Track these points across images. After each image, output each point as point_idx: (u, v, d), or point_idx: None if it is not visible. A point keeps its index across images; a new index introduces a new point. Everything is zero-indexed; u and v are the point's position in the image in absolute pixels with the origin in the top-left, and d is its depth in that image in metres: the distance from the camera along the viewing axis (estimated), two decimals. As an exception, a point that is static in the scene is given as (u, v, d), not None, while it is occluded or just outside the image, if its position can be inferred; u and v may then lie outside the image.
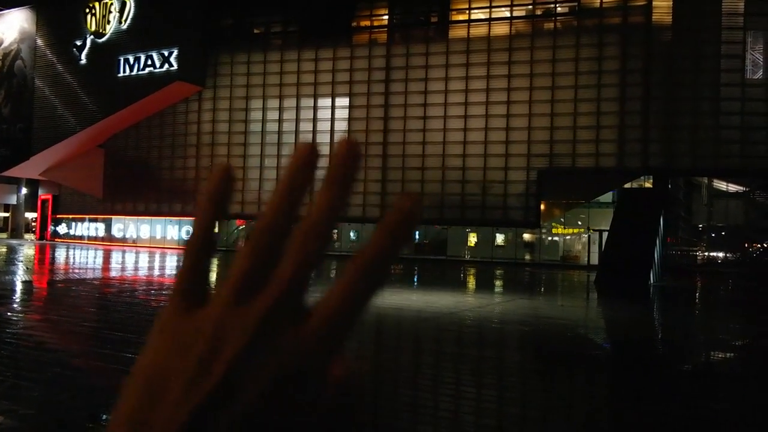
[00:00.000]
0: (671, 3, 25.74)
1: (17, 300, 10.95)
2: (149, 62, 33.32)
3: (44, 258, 23.61)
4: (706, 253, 38.72)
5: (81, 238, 38.66)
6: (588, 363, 7.41)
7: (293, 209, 0.32)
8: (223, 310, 0.30)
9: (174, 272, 18.30)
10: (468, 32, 28.96)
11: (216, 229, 0.35)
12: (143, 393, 0.31)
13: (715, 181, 38.25)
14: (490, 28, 28.66)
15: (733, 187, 39.65)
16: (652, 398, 5.52)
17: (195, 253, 0.34)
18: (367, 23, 31.59)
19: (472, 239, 32.01)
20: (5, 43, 39.18)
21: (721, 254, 38.86)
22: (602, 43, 26.67)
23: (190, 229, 0.36)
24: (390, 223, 0.32)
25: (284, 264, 0.30)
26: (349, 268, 0.30)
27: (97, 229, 38.14)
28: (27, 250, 28.19)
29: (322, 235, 0.31)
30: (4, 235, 42.93)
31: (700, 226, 39.87)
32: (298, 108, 31.91)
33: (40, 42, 37.62)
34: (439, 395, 5.57)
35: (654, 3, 25.95)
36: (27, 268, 17.71)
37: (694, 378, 6.89)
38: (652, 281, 19.20)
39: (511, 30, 28.42)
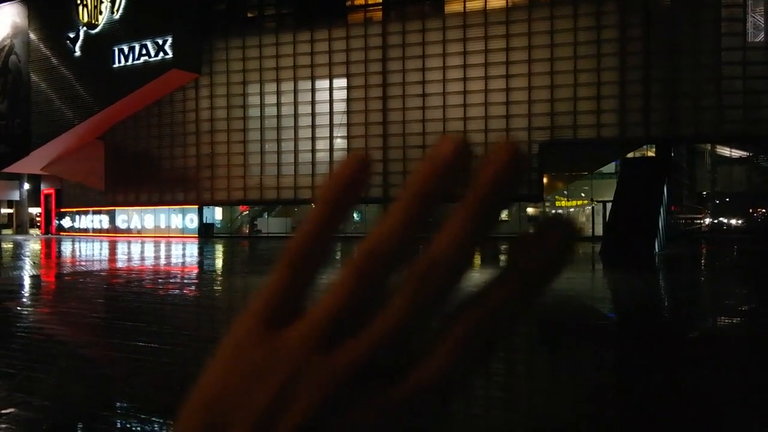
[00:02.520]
0: (669, -32, 25.39)
1: (26, 294, 11.01)
2: (144, 51, 33.10)
3: (50, 252, 23.71)
4: (711, 220, 38.65)
5: (86, 230, 38.79)
6: (595, 333, 7.43)
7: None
8: (306, 350, 0.24)
9: (185, 261, 18.42)
10: (464, 6, 28.64)
11: (335, 235, 0.26)
12: (203, 415, 0.25)
13: (718, 147, 38.04)
14: (486, 1, 28.33)
15: (736, 153, 39.43)
16: (659, 366, 5.54)
17: (299, 264, 0.26)
18: (362, 1, 31.25)
19: (476, 215, 31.95)
20: (-2, 39, 38.96)
21: (725, 220, 38.78)
22: (600, 12, 26.37)
23: (303, 221, 0.27)
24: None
25: (390, 308, 0.23)
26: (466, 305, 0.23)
27: (101, 221, 38.24)
28: (33, 244, 28.31)
29: (450, 274, 0.23)
30: (9, 231, 43.10)
31: (704, 193, 39.75)
32: (295, 91, 31.73)
33: (33, 36, 37.36)
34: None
35: (652, -31, 25.60)
36: (34, 263, 17.80)
37: (698, 344, 6.91)
38: (657, 250, 19.20)
39: (507, 2, 28.09)
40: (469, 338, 0.23)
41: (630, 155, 27.08)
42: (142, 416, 4.16)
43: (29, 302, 10.02)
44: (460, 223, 0.23)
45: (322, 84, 31.23)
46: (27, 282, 12.81)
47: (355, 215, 34.13)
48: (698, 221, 36.17)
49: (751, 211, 37.25)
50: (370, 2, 31.01)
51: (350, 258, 0.24)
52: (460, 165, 0.25)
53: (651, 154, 28.15)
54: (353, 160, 0.28)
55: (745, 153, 38.89)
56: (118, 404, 4.57)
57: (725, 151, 39.32)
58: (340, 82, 30.90)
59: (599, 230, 25.07)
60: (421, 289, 0.22)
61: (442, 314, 0.23)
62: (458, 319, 0.23)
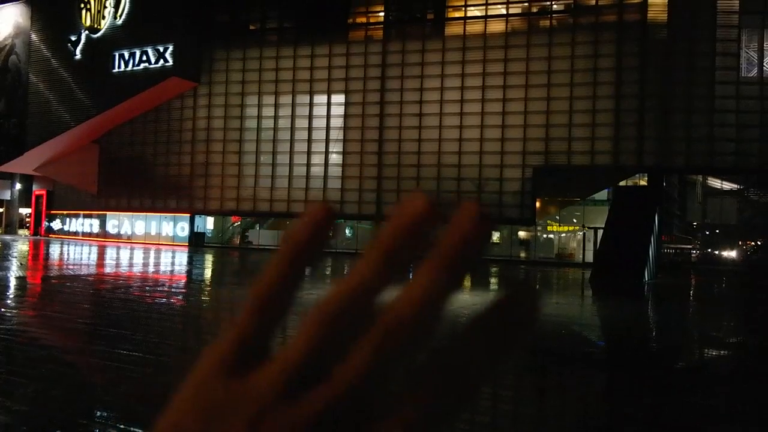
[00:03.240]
0: (666, 1, 25.80)
1: (11, 296, 10.91)
2: (144, 58, 33.20)
3: (38, 254, 23.53)
4: (701, 251, 38.86)
5: (75, 234, 38.55)
6: (583, 360, 7.43)
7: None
8: (272, 396, 0.24)
9: (174, 269, 18.31)
10: (464, 29, 28.96)
11: (299, 283, 0.26)
12: None
13: (709, 179, 38.38)
14: (486, 26, 28.66)
15: (727, 185, 39.78)
16: (646, 395, 5.54)
17: (263, 310, 0.26)
18: (363, 20, 31.54)
19: (468, 236, 31.99)
20: (-1, 38, 38.99)
21: (715, 252, 39.01)
22: (597, 41, 26.72)
23: (262, 275, 0.26)
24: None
25: (354, 360, 0.23)
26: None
27: (92, 225, 38.03)
28: (21, 246, 28.09)
29: (412, 333, 0.23)
30: (-3, 231, 42.76)
31: (695, 223, 40.01)
32: (293, 104, 31.85)
33: (34, 37, 37.42)
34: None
35: (649, 0, 26.01)
36: (21, 264, 17.65)
37: (688, 375, 6.92)
38: (646, 279, 19.27)
39: (507, 27, 28.42)
40: (437, 395, 0.23)
41: (622, 183, 27.29)
42: (121, 426, 4.12)
43: (13, 304, 9.93)
44: (426, 283, 0.23)
45: (320, 99, 31.38)
46: (12, 284, 12.70)
47: (347, 231, 34.10)
48: (688, 252, 36.37)
49: (740, 243, 37.51)
50: (371, 21, 31.30)
51: (319, 304, 0.24)
52: (428, 224, 0.24)
53: (643, 183, 28.37)
54: (318, 208, 0.27)
55: (735, 186, 39.25)
56: (97, 413, 4.52)
57: (716, 183, 39.68)
58: (338, 98, 31.06)
59: (590, 256, 25.15)
60: (384, 345, 0.23)
61: (410, 368, 0.23)
62: (425, 376, 0.23)
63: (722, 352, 8.72)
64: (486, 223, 0.24)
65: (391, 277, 0.24)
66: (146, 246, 32.85)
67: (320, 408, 0.23)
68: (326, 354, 0.23)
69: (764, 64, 25.31)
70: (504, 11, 28.60)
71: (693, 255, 36.93)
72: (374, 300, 0.24)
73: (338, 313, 0.23)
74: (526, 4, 28.39)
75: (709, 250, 39.27)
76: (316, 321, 0.24)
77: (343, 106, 30.91)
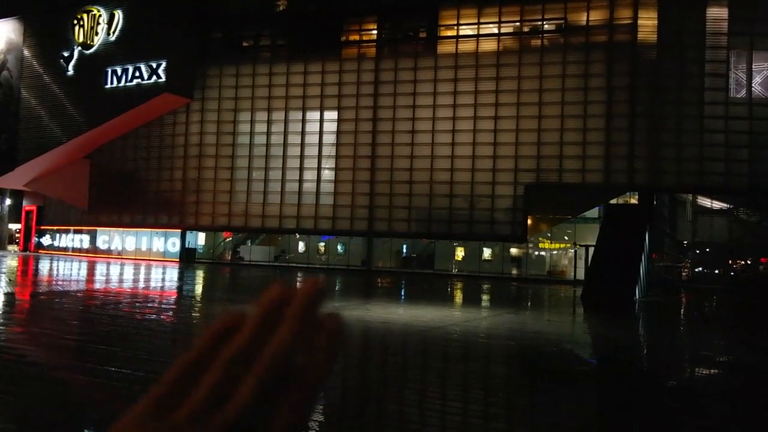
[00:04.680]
0: (656, 22, 26.19)
1: (-2, 312, 10.78)
2: (137, 74, 33.25)
3: (27, 270, 23.32)
4: (691, 269, 39.03)
5: (65, 249, 38.25)
6: (574, 378, 7.42)
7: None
8: (188, 425, 0.34)
9: (164, 285, 18.17)
10: (456, 48, 29.22)
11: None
12: None
13: (699, 197, 38.68)
14: (478, 45, 28.94)
15: (717, 204, 40.09)
16: (637, 414, 5.53)
17: (195, 367, 0.37)
18: (356, 38, 31.77)
19: (460, 253, 32.07)
20: (-8, 53, 38.94)
21: (705, 270, 39.20)
22: (588, 61, 27.03)
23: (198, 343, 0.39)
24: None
25: (243, 387, 0.35)
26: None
27: (82, 240, 37.77)
28: (10, 261, 27.84)
29: (270, 373, 0.35)
30: (-14, 246, 42.36)
31: (685, 242, 40.23)
32: (286, 121, 31.93)
33: (27, 53, 37.43)
34: (425, 410, 5.55)
35: (639, 21, 26.39)
36: (9, 280, 17.48)
37: (678, 394, 6.92)
38: (637, 296, 19.32)
39: (498, 46, 28.71)
40: (293, 410, 0.36)
41: (613, 201, 27.45)
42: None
43: (1, 321, 9.82)
44: (281, 333, 0.36)
45: (313, 115, 31.48)
46: (0, 300, 12.56)
47: (339, 247, 34.04)
48: (678, 270, 36.49)
49: (730, 262, 37.69)
50: (364, 38, 31.54)
51: (223, 350, 0.36)
52: (285, 300, 0.37)
53: (634, 201, 28.55)
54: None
55: (725, 205, 39.54)
56: (84, 431, 4.46)
57: (706, 201, 39.96)
58: (331, 115, 31.17)
59: (581, 274, 25.23)
60: (260, 375, 0.35)
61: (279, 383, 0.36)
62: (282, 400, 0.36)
63: (712, 371, 8.73)
64: (320, 291, 0.37)
65: (264, 335, 0.36)
66: (137, 262, 32.64)
67: (222, 425, 0.35)
68: (226, 387, 0.35)
69: (753, 84, 25.66)
70: (496, 30, 28.91)
71: (683, 273, 37.06)
72: (256, 348, 0.36)
73: (235, 356, 0.36)
74: (518, 23, 28.72)
75: (700, 268, 39.46)
76: (220, 361, 0.36)
77: (335, 123, 31.01)
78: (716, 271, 37.06)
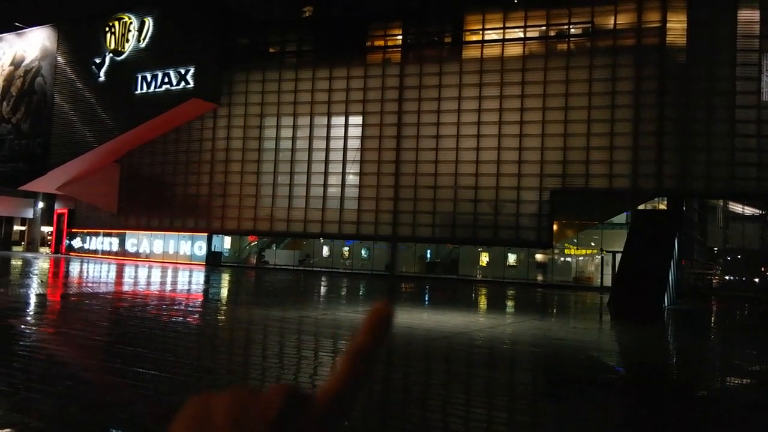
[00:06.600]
0: (685, 25, 25.77)
1: (31, 313, 11.04)
2: (166, 80, 33.83)
3: (58, 272, 23.82)
4: (722, 277, 38.22)
5: (95, 252, 39.00)
6: (600, 387, 7.32)
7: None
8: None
9: (191, 288, 18.41)
10: (481, 53, 29.11)
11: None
12: None
13: (730, 203, 37.89)
14: (503, 49, 28.78)
15: (749, 210, 39.23)
16: (665, 425, 5.44)
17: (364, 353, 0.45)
18: (381, 43, 31.88)
19: (484, 259, 31.89)
20: (26, 60, 39.97)
21: (737, 277, 38.35)
22: (616, 65, 26.70)
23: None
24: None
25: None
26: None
27: (111, 243, 38.47)
28: (42, 263, 28.47)
29: (353, 388, 0.41)
30: (20, 249, 43.39)
31: (715, 248, 39.44)
32: (311, 126, 32.15)
33: (60, 59, 38.34)
34: (449, 416, 5.53)
35: (668, 25, 25.99)
36: (41, 282, 17.88)
37: (707, 404, 6.78)
38: (666, 304, 18.98)
39: (524, 51, 28.52)
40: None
41: (641, 207, 27.04)
42: (137, 445, 4.13)
43: (33, 321, 10.04)
44: (342, 371, 0.42)
45: (338, 121, 31.64)
46: (33, 301, 12.86)
47: (363, 252, 34.10)
48: (709, 277, 35.77)
49: (762, 269, 36.83)
50: (389, 44, 31.62)
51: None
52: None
53: (662, 207, 28.08)
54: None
55: (757, 210, 38.69)
56: (113, 430, 4.54)
57: (738, 207, 39.15)
58: (356, 120, 31.29)
59: (608, 281, 24.86)
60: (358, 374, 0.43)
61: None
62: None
63: (744, 380, 8.53)
64: (388, 318, 0.43)
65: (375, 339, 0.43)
66: (164, 265, 33.12)
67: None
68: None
69: (785, 88, 25.07)
70: (521, 35, 28.74)
71: (714, 280, 36.31)
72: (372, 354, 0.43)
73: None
74: (544, 27, 28.50)
75: (731, 275, 38.60)
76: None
77: (360, 128, 31.12)
78: (748, 279, 36.21)
